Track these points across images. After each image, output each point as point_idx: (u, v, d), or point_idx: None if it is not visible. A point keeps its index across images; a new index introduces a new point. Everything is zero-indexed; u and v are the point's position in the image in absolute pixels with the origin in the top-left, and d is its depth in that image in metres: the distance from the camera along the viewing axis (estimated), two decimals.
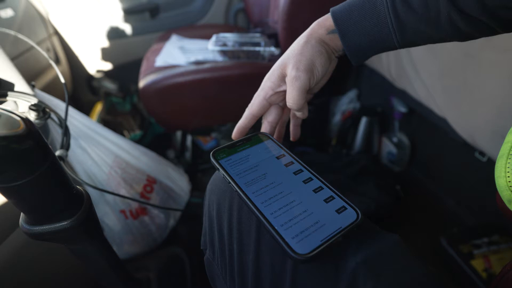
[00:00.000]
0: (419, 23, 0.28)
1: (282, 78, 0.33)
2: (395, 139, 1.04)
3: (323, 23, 0.32)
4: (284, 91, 0.34)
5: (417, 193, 0.98)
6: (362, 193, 0.86)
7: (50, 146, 0.29)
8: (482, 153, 0.75)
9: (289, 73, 0.32)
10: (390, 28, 0.29)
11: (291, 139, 0.39)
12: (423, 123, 0.98)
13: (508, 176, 0.23)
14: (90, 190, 0.65)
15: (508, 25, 0.26)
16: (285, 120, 0.39)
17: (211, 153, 0.31)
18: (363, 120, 1.07)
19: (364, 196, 0.85)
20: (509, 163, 0.23)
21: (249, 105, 0.35)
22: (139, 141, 1.16)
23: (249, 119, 0.35)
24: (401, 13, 0.28)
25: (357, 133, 1.10)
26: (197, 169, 1.10)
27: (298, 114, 0.35)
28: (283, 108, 0.37)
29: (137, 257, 0.76)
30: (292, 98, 0.32)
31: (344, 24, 0.30)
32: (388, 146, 1.06)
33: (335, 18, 0.31)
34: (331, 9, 0.32)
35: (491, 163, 0.72)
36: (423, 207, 0.94)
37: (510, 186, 0.22)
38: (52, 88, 1.11)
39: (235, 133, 0.36)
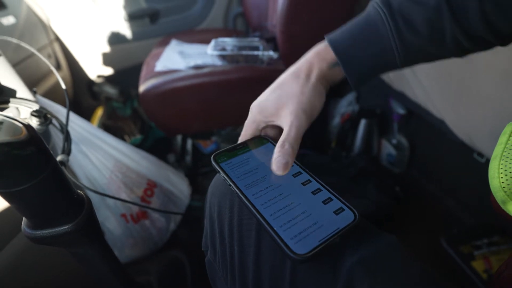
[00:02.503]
0: (423, 44, 0.28)
1: (277, 115, 0.31)
2: (394, 141, 1.04)
3: (324, 55, 0.31)
4: (278, 126, 0.33)
5: (416, 194, 0.98)
6: (362, 194, 0.86)
7: (51, 152, 0.30)
8: (480, 154, 0.76)
9: (289, 113, 0.30)
10: (394, 52, 0.28)
11: None
12: (422, 125, 0.98)
13: (501, 177, 0.23)
14: (91, 195, 0.65)
15: (507, 40, 0.27)
16: None
17: (212, 156, 0.32)
18: (362, 122, 1.08)
19: (364, 197, 0.85)
20: (502, 164, 0.24)
21: (242, 134, 0.34)
22: (139, 145, 1.17)
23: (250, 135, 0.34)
24: (406, 35, 0.27)
25: (356, 135, 1.10)
26: (198, 173, 1.11)
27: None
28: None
29: (138, 261, 0.76)
30: (291, 139, 0.29)
31: (347, 55, 0.29)
32: (387, 148, 1.06)
33: (336, 50, 0.30)
34: (328, 40, 0.30)
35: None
36: (422, 208, 0.94)
37: (504, 187, 0.23)
38: (54, 93, 1.12)
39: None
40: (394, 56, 0.29)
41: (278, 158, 0.28)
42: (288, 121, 0.30)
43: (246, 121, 0.34)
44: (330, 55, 0.30)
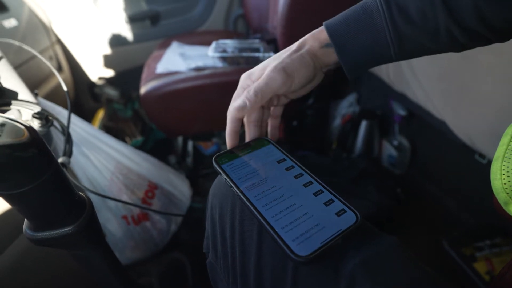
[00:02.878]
0: (417, 35, 0.27)
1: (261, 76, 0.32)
2: (395, 142, 1.04)
3: (318, 35, 0.31)
4: (264, 107, 0.34)
5: (418, 196, 0.98)
6: (363, 196, 0.86)
7: (53, 154, 0.30)
8: (482, 155, 0.76)
9: (270, 70, 0.31)
10: (388, 40, 0.28)
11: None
12: (423, 126, 0.98)
13: (504, 179, 0.23)
14: (92, 196, 0.65)
15: (504, 35, 0.27)
16: (278, 114, 0.37)
17: (213, 158, 0.32)
18: (363, 124, 1.08)
19: (365, 199, 0.85)
20: (504, 165, 0.24)
21: (232, 101, 0.33)
22: (140, 147, 1.17)
23: (235, 122, 0.34)
24: (399, 24, 0.27)
25: (357, 137, 1.10)
26: (199, 174, 1.11)
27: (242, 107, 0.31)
28: (264, 107, 0.35)
29: (139, 263, 0.76)
30: (257, 86, 0.30)
31: (340, 38, 0.30)
32: (388, 149, 1.06)
33: (329, 31, 0.30)
34: (324, 23, 0.31)
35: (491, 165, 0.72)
36: (424, 210, 0.94)
37: (506, 188, 0.23)
38: (55, 95, 1.12)
39: (228, 141, 0.34)
40: (387, 44, 0.29)
41: (235, 102, 0.31)
42: (266, 73, 0.31)
43: (236, 90, 0.34)
44: (324, 35, 0.31)
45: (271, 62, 0.32)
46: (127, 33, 1.32)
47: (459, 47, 0.28)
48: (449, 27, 0.26)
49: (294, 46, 0.32)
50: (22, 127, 0.27)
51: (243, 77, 0.34)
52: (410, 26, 0.27)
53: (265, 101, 0.31)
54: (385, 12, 0.28)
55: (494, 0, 0.24)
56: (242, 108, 0.31)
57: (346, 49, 0.30)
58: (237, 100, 0.32)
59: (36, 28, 1.13)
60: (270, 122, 0.37)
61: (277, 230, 0.24)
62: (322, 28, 0.32)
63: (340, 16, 0.30)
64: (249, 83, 0.33)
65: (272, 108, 0.37)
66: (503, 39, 0.27)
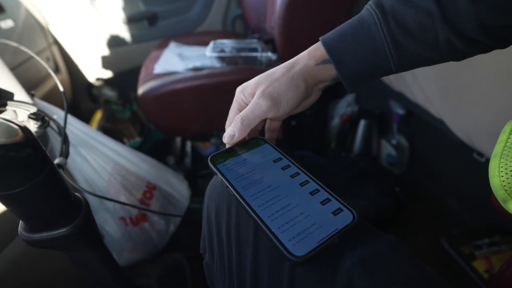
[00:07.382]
0: (416, 46, 0.27)
1: (253, 94, 0.33)
2: (394, 141, 1.04)
3: (314, 52, 0.31)
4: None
5: (417, 195, 0.98)
6: (362, 195, 0.86)
7: (48, 154, 0.30)
8: (480, 154, 0.76)
9: (259, 93, 0.31)
10: (387, 53, 0.28)
11: None
12: (421, 125, 0.98)
13: (502, 176, 0.23)
14: (90, 198, 0.65)
15: (505, 42, 0.27)
16: (276, 128, 0.37)
17: (209, 158, 0.32)
18: (362, 123, 1.08)
19: (364, 198, 0.85)
20: (502, 162, 0.23)
21: (227, 122, 0.35)
22: (139, 148, 1.16)
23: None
24: (398, 37, 0.27)
25: (356, 136, 1.10)
26: (197, 175, 1.10)
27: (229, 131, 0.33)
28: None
29: (138, 264, 0.76)
30: (245, 114, 0.31)
31: (338, 52, 0.29)
32: (387, 149, 1.06)
33: (327, 47, 0.30)
34: (321, 38, 0.31)
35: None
36: (423, 209, 0.94)
37: (504, 186, 0.22)
38: (52, 97, 1.12)
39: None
40: (387, 57, 0.28)
41: (227, 129, 0.32)
42: (253, 99, 0.32)
43: (232, 103, 0.35)
44: (320, 52, 0.31)
45: (262, 82, 0.32)
46: (125, 34, 1.31)
47: (460, 56, 0.28)
48: (448, 38, 0.26)
49: (287, 63, 0.32)
50: (16, 127, 0.27)
51: (238, 90, 0.34)
52: (409, 39, 0.27)
53: (253, 126, 0.32)
54: (383, 26, 0.27)
55: (498, 10, 0.24)
56: (231, 137, 0.32)
57: (345, 63, 0.30)
58: (228, 128, 0.33)
59: (33, 29, 1.13)
60: (267, 135, 0.37)
61: (273, 230, 0.24)
62: (318, 44, 0.31)
63: (337, 30, 0.30)
64: (242, 97, 0.34)
65: (268, 122, 0.37)
66: (504, 45, 0.27)
